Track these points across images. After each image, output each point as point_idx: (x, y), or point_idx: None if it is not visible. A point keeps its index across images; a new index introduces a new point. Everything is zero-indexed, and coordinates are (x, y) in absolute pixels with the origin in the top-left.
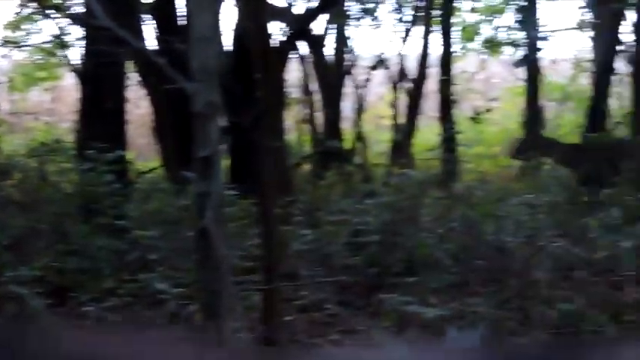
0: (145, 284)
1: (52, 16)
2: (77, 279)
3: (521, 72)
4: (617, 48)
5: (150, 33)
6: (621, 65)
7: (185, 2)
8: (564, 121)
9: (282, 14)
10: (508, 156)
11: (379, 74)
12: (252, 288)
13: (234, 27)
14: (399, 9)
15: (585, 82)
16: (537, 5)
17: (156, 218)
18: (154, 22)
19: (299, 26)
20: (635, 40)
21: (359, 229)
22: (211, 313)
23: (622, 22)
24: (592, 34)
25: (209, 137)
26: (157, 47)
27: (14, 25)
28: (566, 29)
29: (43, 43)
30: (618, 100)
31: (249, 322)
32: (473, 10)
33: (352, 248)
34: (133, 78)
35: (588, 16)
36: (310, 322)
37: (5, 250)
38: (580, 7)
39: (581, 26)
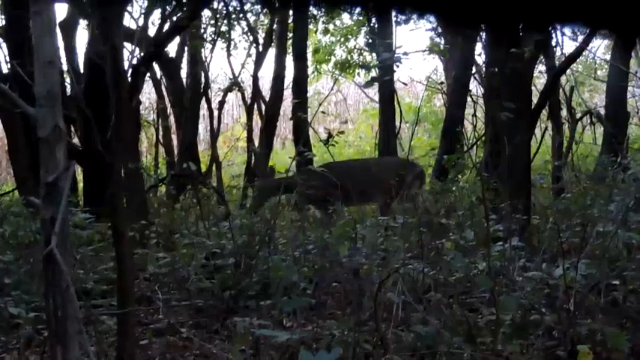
0: (0, 309)
1: None
2: None
3: (376, 94)
4: (470, 70)
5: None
6: (474, 87)
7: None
8: (419, 143)
9: (136, 36)
10: None
11: (234, 96)
12: (106, 312)
13: (85, 49)
14: (252, 32)
15: (439, 103)
16: (390, 28)
17: (10, 242)
18: (6, 45)
19: (153, 48)
20: (487, 62)
21: (214, 252)
22: (59, 338)
23: (474, 45)
24: (444, 56)
25: (55, 162)
26: (8, 71)
27: None
28: (418, 51)
29: None
30: (472, 122)
31: (104, 346)
32: (326, 31)
33: (207, 271)
34: None
35: (439, 39)
36: (165, 345)
37: None
38: (428, 30)
39: (433, 49)
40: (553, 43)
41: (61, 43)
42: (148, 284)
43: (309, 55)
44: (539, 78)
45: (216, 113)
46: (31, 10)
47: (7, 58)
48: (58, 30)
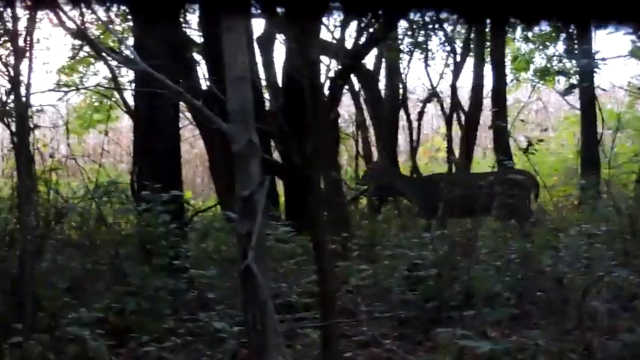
0: (205, 323)
1: (106, 58)
2: (137, 319)
3: (577, 101)
4: None
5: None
6: None
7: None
8: (622, 149)
9: (333, 49)
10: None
11: (433, 107)
12: (310, 324)
13: (283, 64)
14: (450, 41)
15: None
16: (589, 34)
17: (213, 257)
18: (205, 61)
19: (350, 61)
20: None
21: (416, 263)
22: (258, 351)
23: None
24: None
25: (249, 177)
26: (206, 88)
27: (70, 68)
28: (619, 57)
29: (98, 85)
30: None
31: (308, 359)
32: (525, 39)
33: (410, 282)
34: (188, 118)
35: None
36: (369, 357)
37: (65, 292)
38: (626, 34)
39: (634, 54)
40: None
41: (259, 59)
42: (350, 296)
43: (508, 64)
44: None
45: (415, 124)
46: (222, 26)
47: (206, 75)
48: (255, 45)
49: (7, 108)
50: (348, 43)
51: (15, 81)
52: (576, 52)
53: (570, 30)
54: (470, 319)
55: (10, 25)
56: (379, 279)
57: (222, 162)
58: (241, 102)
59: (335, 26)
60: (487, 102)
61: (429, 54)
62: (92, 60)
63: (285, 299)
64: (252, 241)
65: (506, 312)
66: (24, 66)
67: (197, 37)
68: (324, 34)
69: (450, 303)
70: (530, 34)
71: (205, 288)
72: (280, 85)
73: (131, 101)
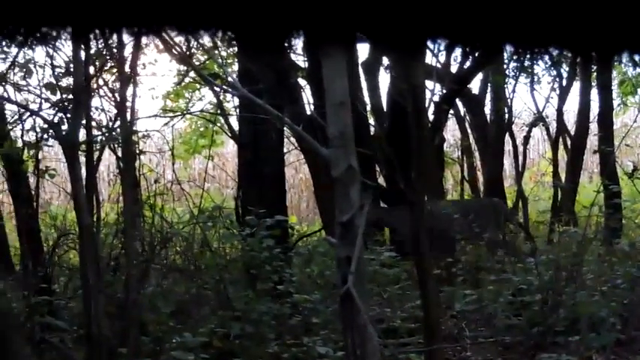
0: (308, 348)
1: (210, 84)
2: (241, 344)
3: None
4: None
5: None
6: None
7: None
8: None
9: (438, 74)
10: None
11: (539, 131)
12: (413, 349)
13: (388, 88)
14: (556, 65)
15: None
16: None
17: (317, 282)
18: (310, 87)
19: (456, 85)
20: None
21: (520, 288)
22: None
23: None
24: None
25: (349, 202)
26: (311, 113)
27: (175, 94)
28: None
29: (203, 111)
30: None
31: None
32: (633, 63)
33: (514, 308)
34: (292, 143)
35: None
36: None
37: (169, 316)
38: None
39: None
40: None
41: (364, 83)
42: (454, 321)
43: (615, 87)
44: None
45: (520, 149)
46: (321, 51)
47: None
48: (360, 70)
49: (114, 133)
50: (454, 68)
51: (121, 106)
52: None
53: None
54: (575, 345)
55: (116, 52)
56: (483, 304)
57: (327, 187)
58: (341, 127)
59: (440, 50)
60: (593, 126)
61: (535, 78)
62: (197, 85)
63: (390, 324)
64: (351, 265)
65: (611, 337)
66: (130, 92)
67: (302, 61)
68: (429, 58)
69: (555, 328)
70: (637, 58)
71: (309, 313)
72: (385, 109)
73: (236, 126)
